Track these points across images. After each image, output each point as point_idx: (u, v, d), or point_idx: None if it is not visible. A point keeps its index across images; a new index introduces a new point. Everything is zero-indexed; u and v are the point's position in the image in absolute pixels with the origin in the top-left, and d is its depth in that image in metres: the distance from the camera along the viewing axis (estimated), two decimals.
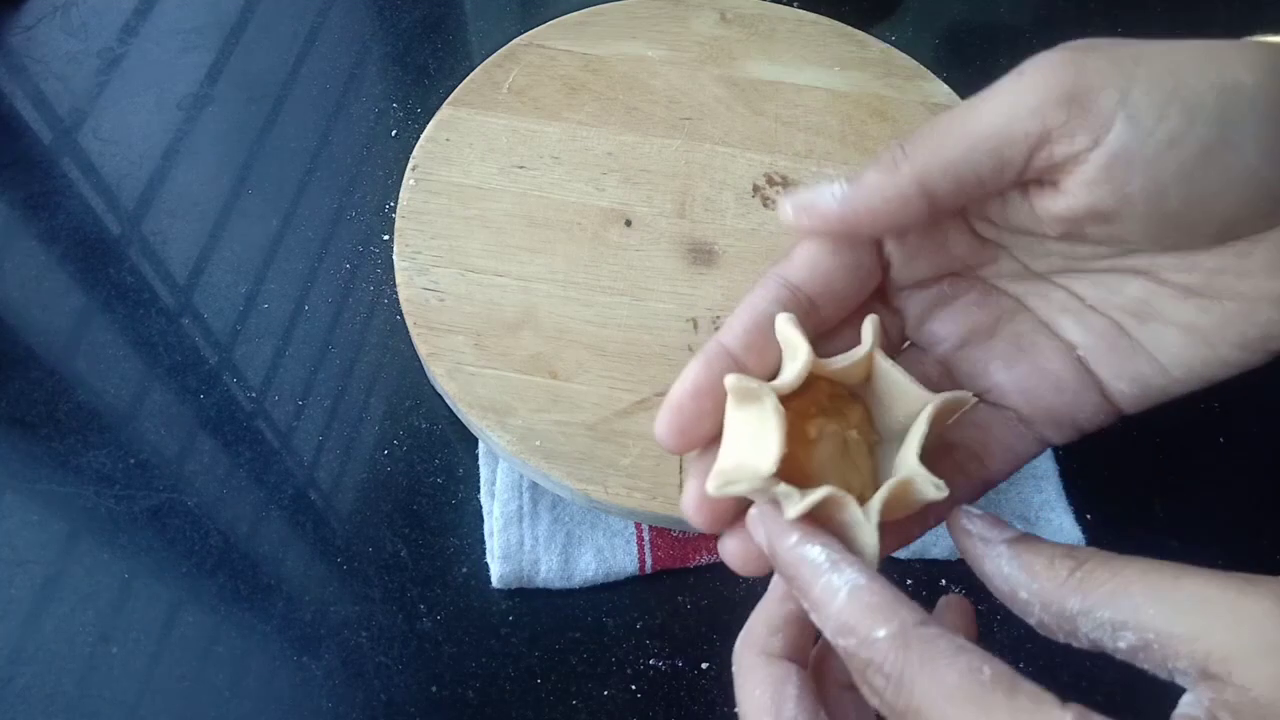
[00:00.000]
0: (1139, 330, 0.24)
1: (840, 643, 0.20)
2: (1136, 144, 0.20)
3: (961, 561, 0.23)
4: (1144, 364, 0.24)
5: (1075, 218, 0.22)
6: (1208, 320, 0.23)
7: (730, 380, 0.22)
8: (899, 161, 0.22)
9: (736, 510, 0.23)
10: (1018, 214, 0.24)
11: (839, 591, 0.20)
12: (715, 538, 0.39)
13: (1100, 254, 0.24)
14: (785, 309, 0.24)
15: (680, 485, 0.36)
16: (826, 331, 0.25)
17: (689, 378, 0.23)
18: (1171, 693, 0.19)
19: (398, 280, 0.41)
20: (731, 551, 0.23)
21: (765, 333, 0.23)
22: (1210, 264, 0.22)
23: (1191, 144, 0.20)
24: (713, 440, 0.23)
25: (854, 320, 0.25)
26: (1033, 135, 0.21)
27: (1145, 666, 0.19)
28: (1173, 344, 0.23)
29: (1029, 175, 0.22)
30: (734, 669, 0.24)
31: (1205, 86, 0.20)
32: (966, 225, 0.25)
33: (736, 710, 0.23)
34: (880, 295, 0.26)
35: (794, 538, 0.21)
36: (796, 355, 0.23)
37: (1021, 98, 0.21)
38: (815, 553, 0.21)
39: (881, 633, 0.19)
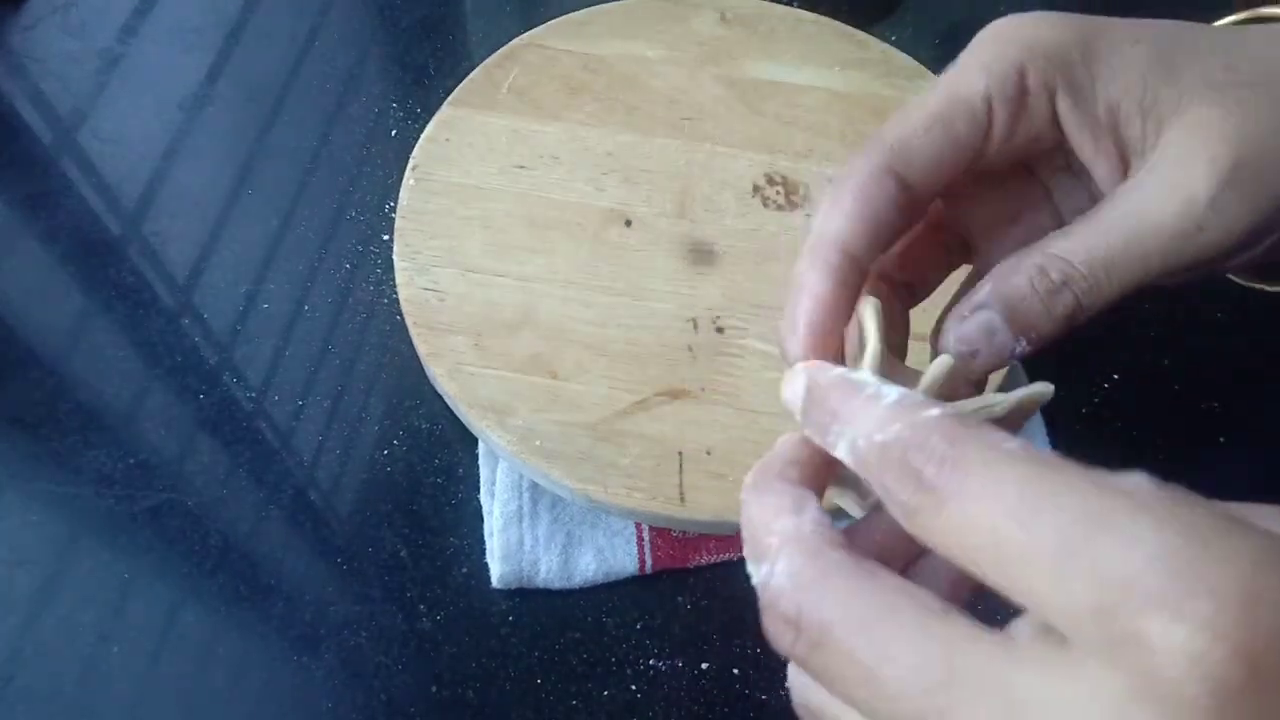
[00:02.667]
0: None
1: (877, 438, 0.18)
2: None
3: None
4: None
5: None
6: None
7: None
8: None
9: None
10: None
11: (887, 396, 0.19)
12: (715, 538, 0.40)
13: None
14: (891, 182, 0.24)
15: (680, 485, 0.36)
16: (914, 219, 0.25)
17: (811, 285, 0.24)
18: None
19: (398, 280, 0.41)
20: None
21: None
22: None
23: None
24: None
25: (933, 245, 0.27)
26: None
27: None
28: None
29: None
30: (743, 494, 0.22)
31: None
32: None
33: (742, 535, 0.21)
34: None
35: (839, 370, 0.21)
36: (863, 347, 0.23)
37: None
38: (864, 374, 0.21)
39: (935, 411, 0.18)
